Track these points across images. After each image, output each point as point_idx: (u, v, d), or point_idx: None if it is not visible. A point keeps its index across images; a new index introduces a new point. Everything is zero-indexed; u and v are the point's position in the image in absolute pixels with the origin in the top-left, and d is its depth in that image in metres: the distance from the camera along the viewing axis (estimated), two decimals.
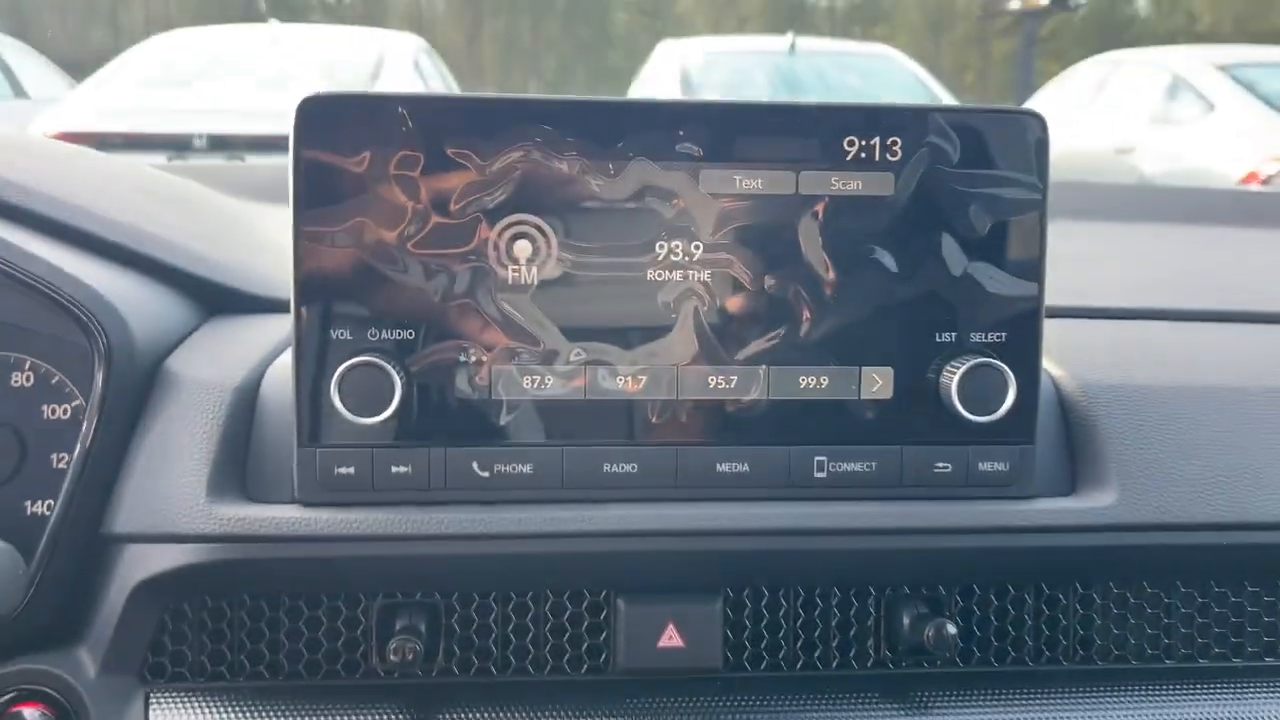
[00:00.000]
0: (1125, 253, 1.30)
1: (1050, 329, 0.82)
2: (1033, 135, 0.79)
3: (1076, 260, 0.83)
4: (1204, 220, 1.54)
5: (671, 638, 0.82)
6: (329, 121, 0.75)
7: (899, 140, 0.78)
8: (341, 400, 0.75)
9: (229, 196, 1.22)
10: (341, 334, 0.76)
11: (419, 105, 0.75)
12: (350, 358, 0.75)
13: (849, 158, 0.78)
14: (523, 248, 0.77)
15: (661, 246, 0.78)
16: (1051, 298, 0.81)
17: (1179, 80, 7.24)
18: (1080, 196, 1.63)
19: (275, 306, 0.93)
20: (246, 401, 0.82)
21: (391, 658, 0.79)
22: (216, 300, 0.94)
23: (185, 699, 0.81)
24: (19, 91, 8.98)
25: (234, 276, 0.94)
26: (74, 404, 0.78)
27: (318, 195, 0.75)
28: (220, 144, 5.26)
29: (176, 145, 5.25)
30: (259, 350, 0.86)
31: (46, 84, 9.14)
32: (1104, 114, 7.70)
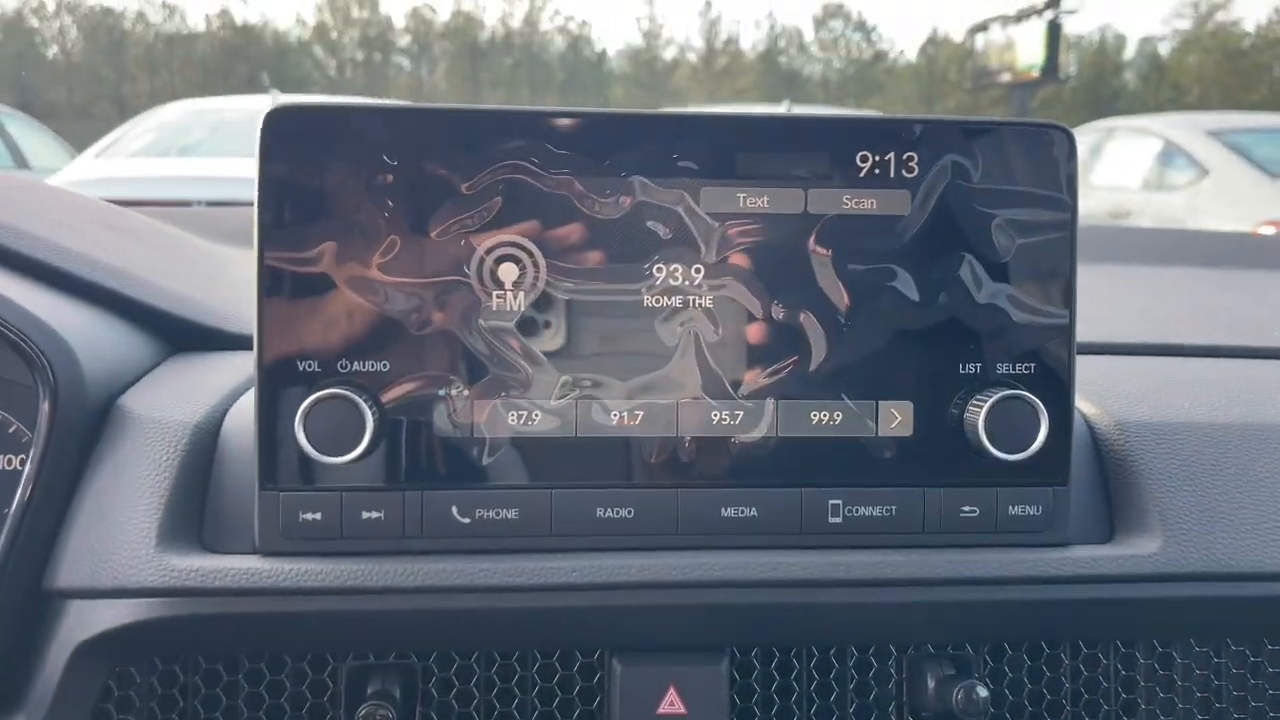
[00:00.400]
0: (1144, 291, 1.24)
1: (1080, 364, 0.76)
2: (1060, 150, 0.74)
3: (1096, 298, 0.77)
4: (1215, 264, 1.49)
5: (673, 703, 0.74)
6: (298, 136, 0.69)
7: (916, 155, 0.73)
8: (307, 437, 0.68)
9: (208, 240, 1.16)
10: (309, 365, 0.69)
11: (396, 118, 0.69)
12: (317, 391, 0.68)
13: (862, 174, 0.72)
14: (508, 271, 0.71)
15: (659, 270, 0.71)
16: (1079, 332, 0.75)
17: (1172, 146, 7.29)
18: (1088, 240, 1.57)
19: (245, 343, 0.87)
20: (205, 441, 0.75)
21: None
22: (180, 336, 0.87)
23: None
24: (20, 162, 9.03)
25: (200, 311, 0.88)
26: (22, 443, 0.71)
27: (285, 215, 0.69)
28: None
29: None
30: (223, 387, 0.79)
31: (48, 155, 9.20)
32: (1098, 180, 7.73)
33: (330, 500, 0.70)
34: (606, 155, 0.70)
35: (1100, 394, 0.83)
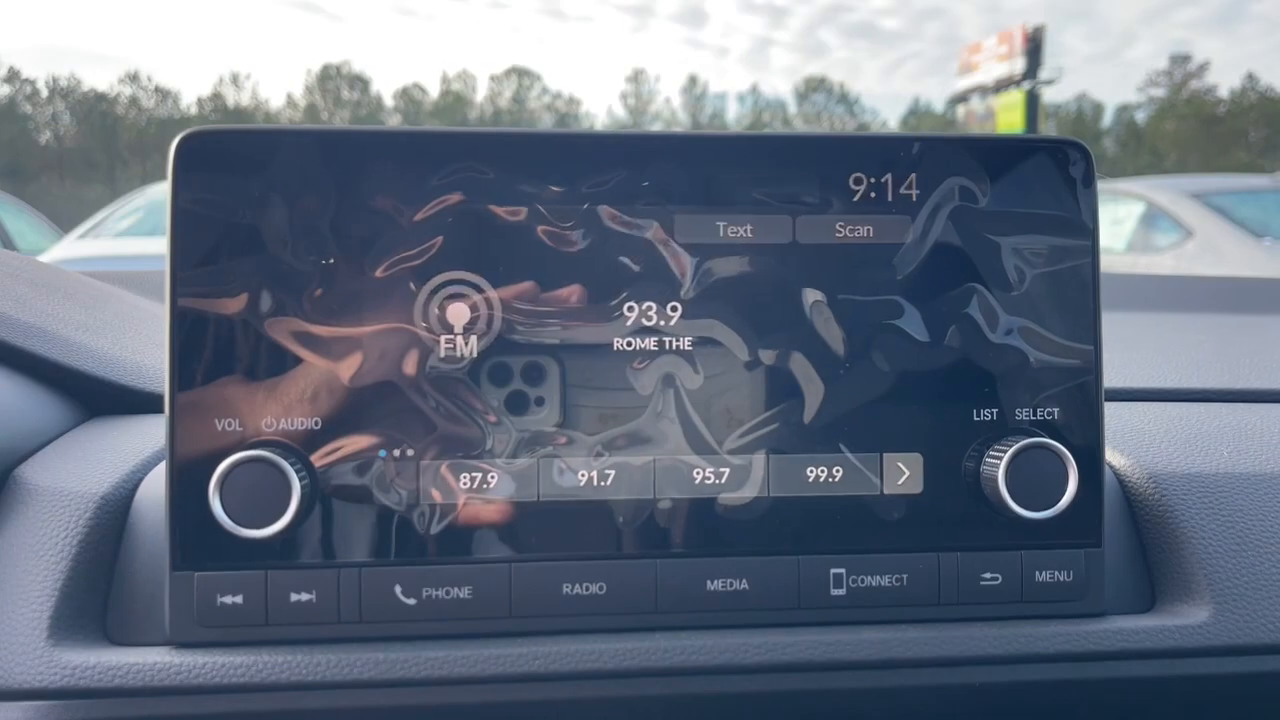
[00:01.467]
0: (1160, 336, 1.16)
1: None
2: (1077, 169, 0.66)
3: (1110, 341, 0.68)
4: (1220, 309, 1.41)
5: None
6: (215, 163, 0.61)
7: (915, 177, 0.65)
8: (224, 507, 0.59)
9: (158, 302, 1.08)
10: (228, 424, 0.60)
11: (328, 142, 0.61)
12: (236, 453, 0.59)
13: (856, 198, 0.64)
14: (458, 313, 0.62)
15: (631, 309, 0.63)
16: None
17: (1155, 209, 7.33)
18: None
19: None
20: (113, 516, 0.65)
21: None
22: (101, 399, 0.78)
23: None
24: (6, 244, 9.01)
25: (124, 371, 0.79)
26: None
27: (201, 253, 0.60)
28: None
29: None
30: (140, 453, 0.70)
31: (35, 237, 9.18)
32: None
33: (253, 581, 0.61)
34: (568, 181, 0.62)
35: (1128, 443, 0.75)
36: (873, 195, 0.65)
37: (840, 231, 0.64)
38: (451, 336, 0.62)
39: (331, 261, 0.61)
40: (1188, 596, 0.67)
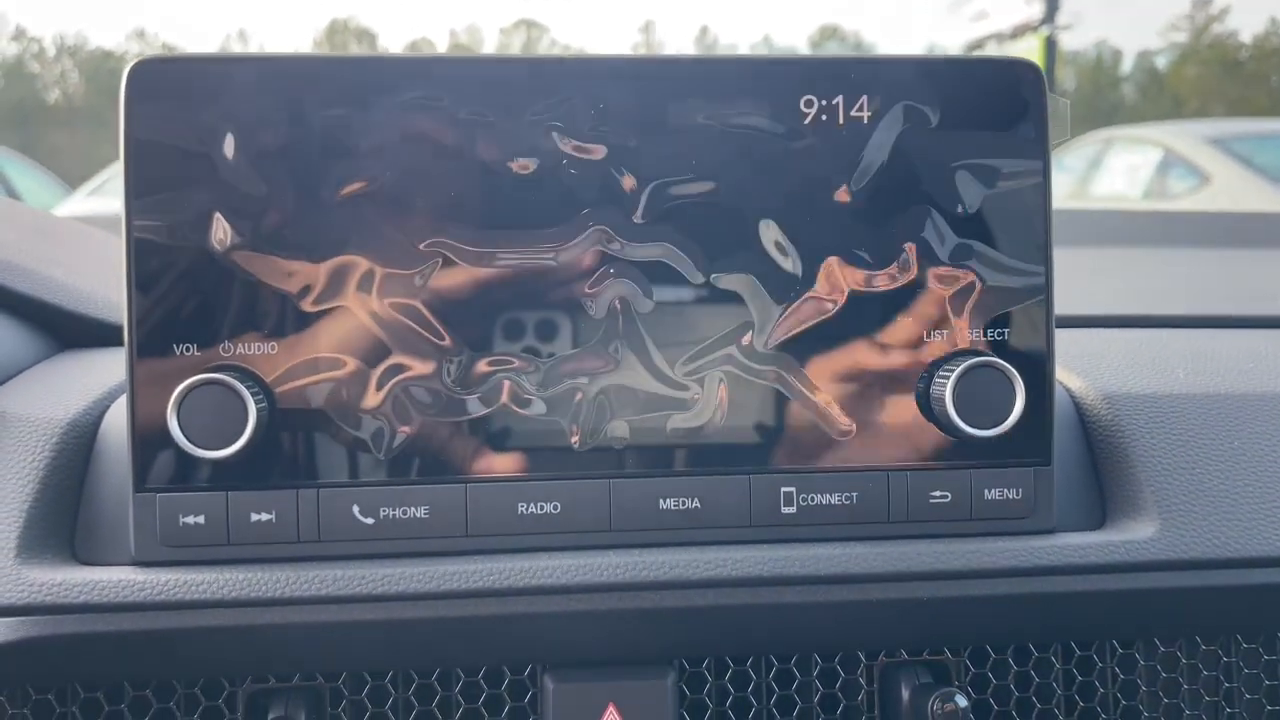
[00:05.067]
0: (1135, 269, 1.16)
1: (1059, 339, 0.67)
2: (1028, 89, 0.66)
3: (1075, 272, 0.69)
4: (1200, 243, 1.40)
5: None
6: (167, 90, 0.61)
7: (866, 98, 0.65)
8: (182, 429, 0.60)
9: None
10: (186, 349, 0.62)
11: (277, 68, 0.62)
12: (192, 376, 0.60)
13: (807, 120, 0.65)
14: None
15: (583, 234, 0.64)
16: (1057, 307, 0.66)
17: (1172, 155, 7.22)
18: (1077, 223, 1.49)
19: None
20: (80, 441, 0.67)
21: None
22: (74, 332, 0.79)
23: None
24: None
25: (97, 306, 0.80)
26: None
27: (155, 181, 0.61)
28: None
29: None
30: (107, 383, 0.71)
31: (43, 195, 9.20)
32: (1099, 190, 7.66)
33: (214, 502, 0.62)
34: (521, 106, 0.63)
35: (1086, 366, 0.75)
36: (824, 117, 0.65)
37: (792, 155, 0.64)
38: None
39: (285, 189, 0.61)
40: (1136, 513, 0.68)
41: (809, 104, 0.65)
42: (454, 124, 0.62)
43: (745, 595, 0.64)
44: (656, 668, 0.67)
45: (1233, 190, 6.63)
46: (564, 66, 0.64)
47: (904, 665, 0.70)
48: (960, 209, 0.65)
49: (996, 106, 0.65)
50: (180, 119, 0.61)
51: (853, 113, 0.65)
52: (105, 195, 6.38)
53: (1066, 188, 7.89)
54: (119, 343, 0.78)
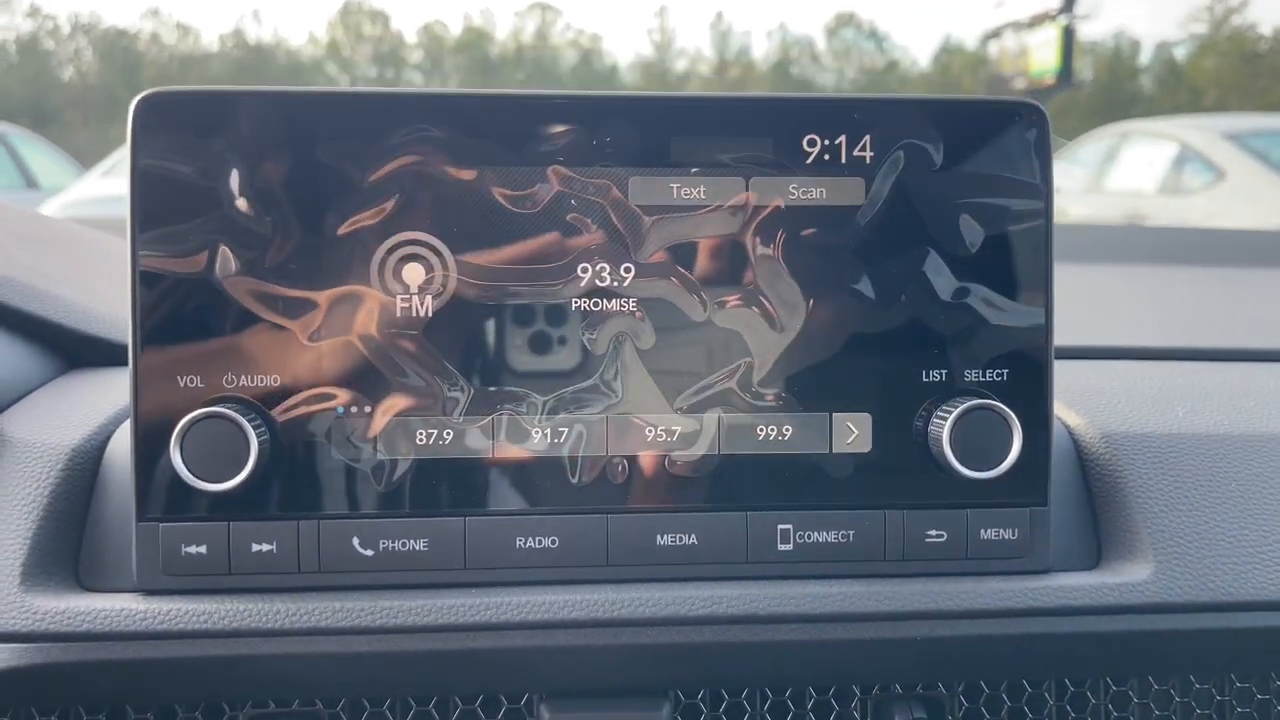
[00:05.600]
0: (1137, 292, 1.15)
1: (1059, 371, 0.67)
2: (1031, 130, 0.66)
3: (1078, 298, 0.69)
4: (1209, 262, 1.39)
5: None
6: (174, 124, 0.62)
7: (870, 138, 0.65)
8: (185, 461, 0.61)
9: None
10: (190, 381, 0.62)
11: (283, 103, 0.62)
12: (196, 409, 0.61)
13: (809, 160, 0.65)
14: (414, 273, 0.63)
15: (585, 270, 0.64)
16: (1058, 337, 0.67)
17: (1188, 150, 7.17)
18: (1071, 238, 1.48)
19: None
20: (84, 467, 0.67)
21: None
22: (77, 352, 0.80)
23: None
24: (30, 183, 9.05)
25: (102, 324, 0.81)
26: None
27: (161, 214, 0.62)
28: None
29: None
30: (113, 407, 0.72)
31: (59, 175, 9.22)
32: (1113, 185, 7.62)
33: (216, 532, 0.63)
34: (522, 142, 0.63)
35: (1086, 403, 0.75)
36: (827, 157, 0.65)
37: (794, 193, 0.65)
38: (407, 296, 0.63)
39: (289, 222, 0.62)
40: (1132, 555, 0.68)
41: (811, 143, 0.65)
42: (457, 160, 0.63)
43: (741, 632, 0.65)
44: (651, 699, 0.68)
45: (1248, 187, 6.59)
46: (568, 103, 0.64)
47: (898, 700, 0.70)
48: (961, 250, 0.65)
49: (1000, 148, 0.66)
50: (187, 152, 0.62)
51: (855, 152, 0.65)
52: (119, 176, 6.41)
53: (1081, 182, 7.86)
54: (124, 361, 0.79)
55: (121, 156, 6.75)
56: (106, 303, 0.84)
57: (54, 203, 5.84)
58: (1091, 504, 0.71)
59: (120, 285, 0.87)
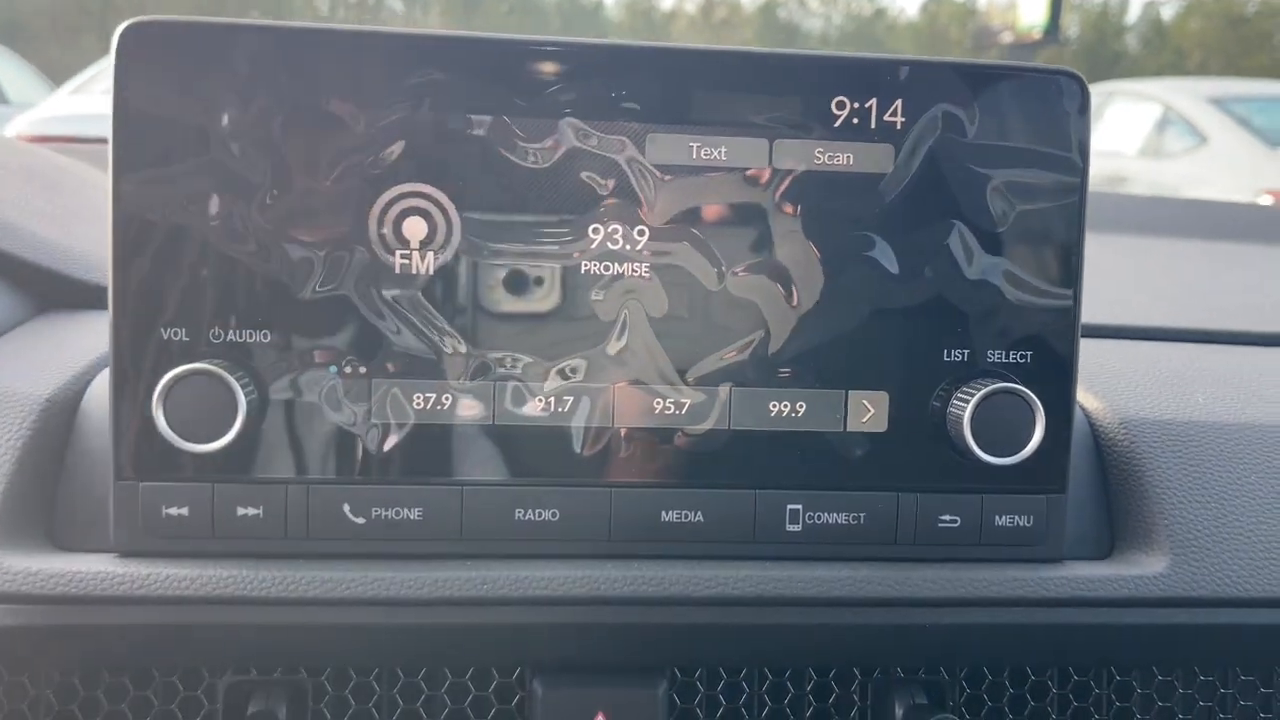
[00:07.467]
0: (1148, 266, 1.13)
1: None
2: (1071, 102, 0.63)
3: (1094, 271, 0.66)
4: (1224, 236, 1.37)
5: None
6: (161, 57, 0.57)
7: (901, 103, 0.61)
8: (168, 420, 0.57)
9: None
10: (174, 334, 0.59)
11: (281, 39, 0.58)
12: (180, 365, 0.57)
13: (837, 124, 0.61)
14: (415, 227, 0.59)
15: (596, 231, 0.60)
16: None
17: (1171, 112, 7.16)
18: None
19: None
20: (61, 419, 0.64)
21: None
22: (51, 292, 0.75)
23: None
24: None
25: (75, 264, 0.76)
26: None
27: (145, 154, 0.58)
28: None
29: None
30: (90, 353, 0.68)
31: (28, 90, 8.98)
32: (1094, 145, 7.61)
33: (200, 493, 0.60)
34: (536, 91, 0.59)
35: (1102, 385, 0.73)
36: (855, 121, 0.61)
37: (819, 158, 0.61)
38: (407, 252, 0.59)
39: (283, 168, 0.58)
40: (1147, 545, 0.66)
41: (840, 105, 0.61)
42: (466, 107, 0.59)
43: (746, 614, 0.63)
44: (648, 676, 0.66)
45: (1230, 152, 6.59)
46: (586, 51, 0.60)
47: (899, 683, 0.69)
48: (990, 225, 0.62)
49: (1037, 119, 0.62)
50: (175, 87, 0.57)
51: (886, 117, 0.62)
52: (88, 94, 6.23)
53: None
54: (101, 305, 0.75)
55: (93, 73, 6.56)
56: (83, 240, 0.79)
57: (22, 119, 5.67)
58: (1105, 490, 0.69)
59: (99, 222, 0.83)
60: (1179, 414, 0.71)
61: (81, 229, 0.82)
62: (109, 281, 0.58)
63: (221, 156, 0.58)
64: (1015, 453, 0.62)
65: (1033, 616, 0.64)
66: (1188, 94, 7.36)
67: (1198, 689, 0.71)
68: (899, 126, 0.62)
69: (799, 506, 0.63)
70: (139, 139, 0.57)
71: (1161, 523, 0.66)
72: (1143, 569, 0.65)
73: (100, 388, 0.66)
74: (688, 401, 0.62)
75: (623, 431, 0.62)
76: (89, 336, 0.70)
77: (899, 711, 0.67)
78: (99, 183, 0.97)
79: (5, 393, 0.63)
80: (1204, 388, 0.74)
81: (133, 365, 0.58)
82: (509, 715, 0.67)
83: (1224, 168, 6.50)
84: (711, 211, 0.61)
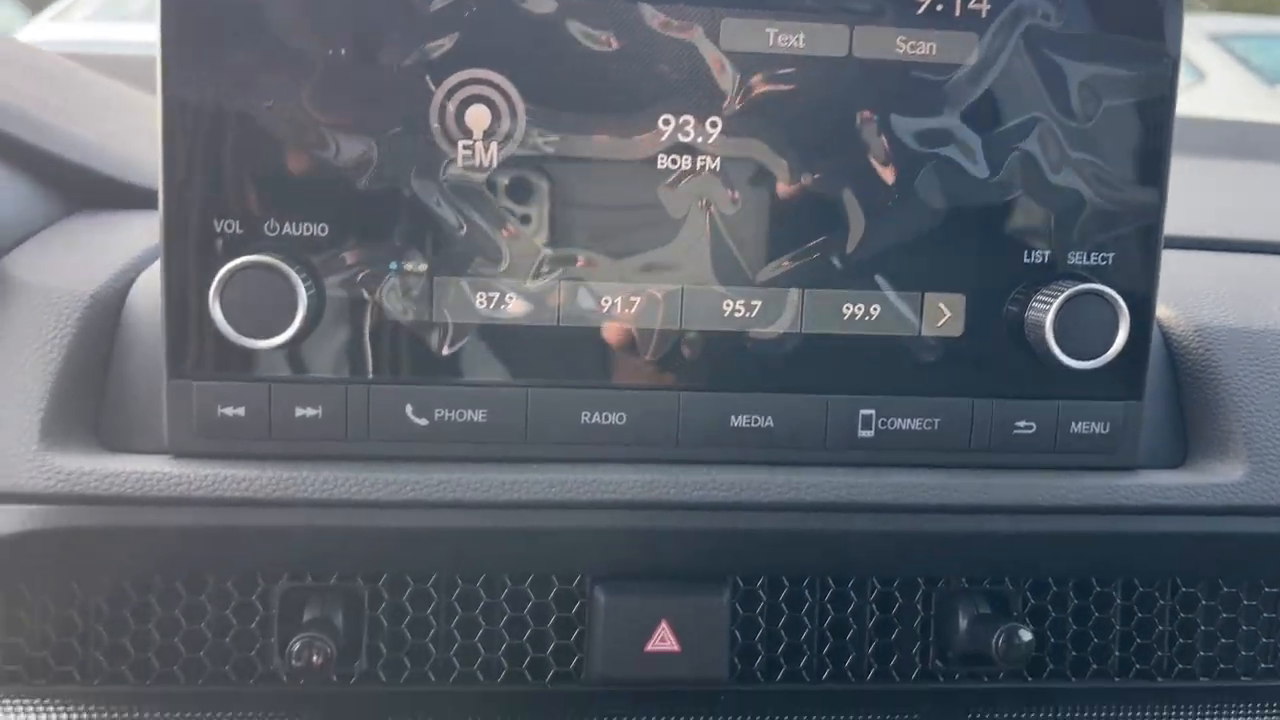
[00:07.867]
0: (1212, 183, 1.10)
1: None
2: None
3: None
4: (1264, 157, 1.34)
5: (664, 639, 0.63)
6: None
7: None
8: (225, 315, 0.55)
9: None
10: (229, 226, 0.56)
11: None
12: (237, 257, 0.55)
13: (920, 10, 0.58)
14: (478, 116, 0.57)
15: (666, 122, 0.58)
16: None
17: None
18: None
19: None
20: (106, 317, 0.61)
21: (295, 661, 0.59)
22: (85, 190, 0.72)
23: (20, 707, 0.62)
24: None
25: (110, 161, 0.73)
26: None
27: (197, 41, 0.54)
28: None
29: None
30: (130, 250, 0.65)
31: (5, 17, 8.79)
32: None
33: (257, 393, 0.57)
34: None
35: (1176, 294, 0.71)
36: (939, 8, 0.58)
37: (900, 47, 0.58)
38: (470, 142, 0.57)
39: (341, 52, 0.55)
40: (1223, 454, 0.65)
41: None
42: None
43: (815, 520, 0.61)
44: (712, 583, 0.64)
45: (1228, 90, 6.53)
46: None
47: (963, 594, 0.68)
48: (1075, 120, 0.60)
49: (1126, 10, 0.59)
50: None
51: (971, 4, 0.59)
52: (69, 20, 6.08)
53: None
54: (135, 205, 0.72)
55: (70, 2, 6.39)
56: (114, 139, 0.76)
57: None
58: (1179, 398, 0.67)
59: (122, 123, 0.79)
60: (1254, 322, 0.69)
61: (106, 128, 0.78)
62: (159, 170, 0.55)
63: (275, 39, 0.54)
64: (1096, 356, 0.60)
65: (1108, 524, 0.63)
66: (1188, 30, 7.26)
67: (1262, 600, 0.70)
68: (984, 14, 0.59)
69: (871, 412, 0.61)
70: (187, 20, 0.54)
71: (1239, 431, 0.65)
72: (1220, 477, 0.64)
73: (146, 285, 0.63)
74: (758, 304, 0.60)
75: (691, 334, 0.60)
76: (128, 235, 0.67)
77: (963, 621, 0.66)
78: (114, 87, 0.93)
79: (47, 288, 0.60)
80: (1278, 297, 0.72)
81: (186, 258, 0.56)
82: (568, 623, 0.66)
83: (1222, 105, 6.44)
84: (788, 102, 0.58)
